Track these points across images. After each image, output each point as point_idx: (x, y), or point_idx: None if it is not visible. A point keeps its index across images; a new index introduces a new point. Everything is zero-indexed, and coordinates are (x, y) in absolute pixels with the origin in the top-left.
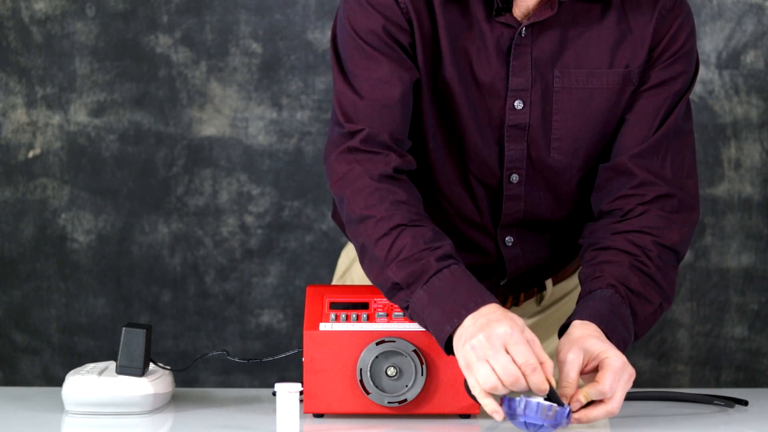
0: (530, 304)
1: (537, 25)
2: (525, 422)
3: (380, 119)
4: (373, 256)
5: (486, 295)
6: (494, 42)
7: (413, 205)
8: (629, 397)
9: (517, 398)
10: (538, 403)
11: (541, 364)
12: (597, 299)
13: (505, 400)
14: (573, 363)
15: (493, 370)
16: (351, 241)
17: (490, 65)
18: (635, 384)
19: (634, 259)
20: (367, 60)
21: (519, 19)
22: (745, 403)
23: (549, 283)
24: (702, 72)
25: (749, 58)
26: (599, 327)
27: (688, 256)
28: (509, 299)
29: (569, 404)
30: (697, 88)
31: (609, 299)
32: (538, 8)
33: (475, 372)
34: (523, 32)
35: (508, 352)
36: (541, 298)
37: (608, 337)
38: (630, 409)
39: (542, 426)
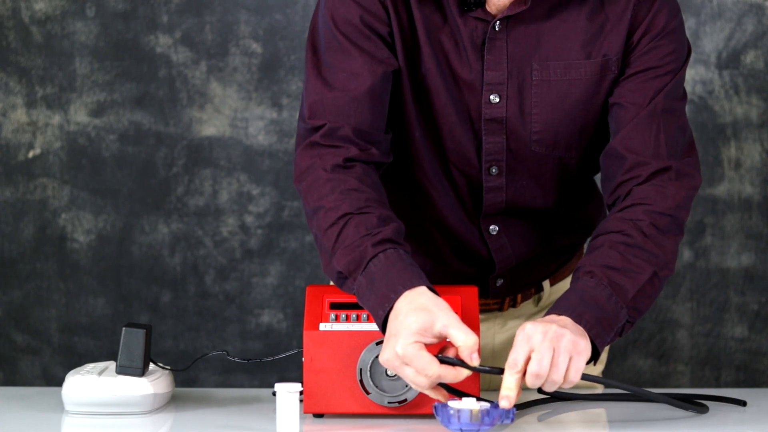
0: (528, 305)
1: (511, 19)
2: (461, 429)
3: (345, 113)
4: (322, 246)
5: (416, 278)
6: (468, 36)
7: (364, 191)
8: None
9: (450, 409)
10: (469, 410)
11: (457, 348)
12: (568, 291)
13: (438, 409)
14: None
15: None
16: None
17: (466, 60)
18: (635, 384)
19: (618, 235)
20: (343, 53)
21: (493, 13)
22: (743, 403)
23: (546, 284)
24: (702, 72)
25: (749, 58)
26: (564, 315)
27: (688, 256)
28: (506, 300)
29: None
30: (697, 88)
31: (581, 287)
32: (512, 3)
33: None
34: (497, 26)
35: (410, 365)
36: (539, 299)
37: (577, 322)
38: (629, 410)
39: (479, 430)
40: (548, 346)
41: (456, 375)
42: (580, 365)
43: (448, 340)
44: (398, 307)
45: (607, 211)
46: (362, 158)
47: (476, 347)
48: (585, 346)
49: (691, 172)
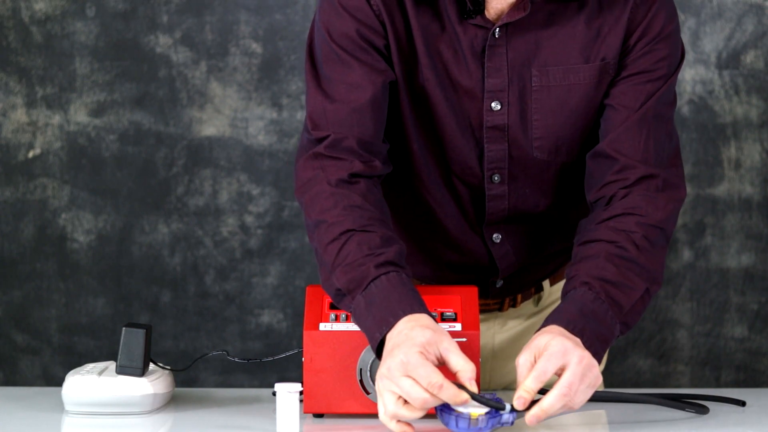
0: (528, 305)
1: (510, 25)
2: (462, 430)
3: (348, 124)
4: (322, 260)
5: (416, 304)
6: (468, 44)
7: (367, 209)
8: (597, 396)
9: (453, 410)
10: (468, 415)
11: (455, 373)
12: (567, 301)
13: (441, 411)
14: (523, 365)
15: (400, 396)
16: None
17: (466, 67)
18: (635, 384)
19: (613, 246)
20: (341, 65)
21: (492, 20)
22: (742, 403)
23: (546, 283)
24: (702, 72)
25: (749, 58)
26: (565, 328)
27: (688, 256)
28: (506, 300)
29: (512, 404)
30: (697, 88)
31: (580, 298)
32: (511, 9)
33: (383, 400)
34: (497, 33)
35: (410, 377)
36: (539, 299)
37: (578, 336)
38: (628, 413)
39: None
40: (581, 373)
41: (456, 393)
42: (589, 395)
43: (445, 365)
44: (399, 326)
45: (590, 209)
46: (366, 173)
47: (474, 374)
48: (599, 378)
49: (678, 183)
